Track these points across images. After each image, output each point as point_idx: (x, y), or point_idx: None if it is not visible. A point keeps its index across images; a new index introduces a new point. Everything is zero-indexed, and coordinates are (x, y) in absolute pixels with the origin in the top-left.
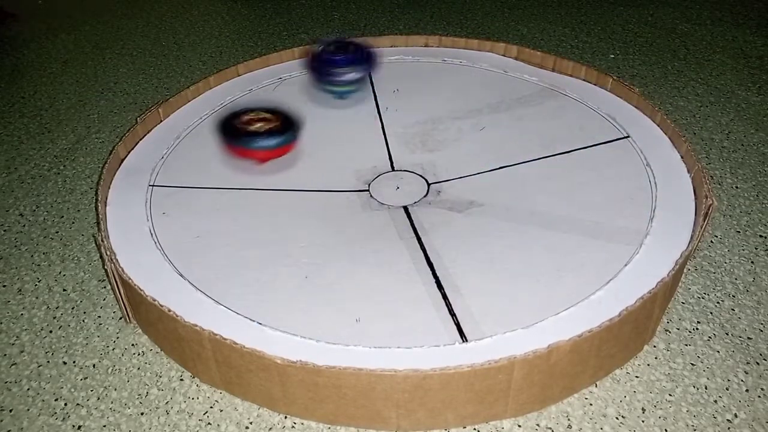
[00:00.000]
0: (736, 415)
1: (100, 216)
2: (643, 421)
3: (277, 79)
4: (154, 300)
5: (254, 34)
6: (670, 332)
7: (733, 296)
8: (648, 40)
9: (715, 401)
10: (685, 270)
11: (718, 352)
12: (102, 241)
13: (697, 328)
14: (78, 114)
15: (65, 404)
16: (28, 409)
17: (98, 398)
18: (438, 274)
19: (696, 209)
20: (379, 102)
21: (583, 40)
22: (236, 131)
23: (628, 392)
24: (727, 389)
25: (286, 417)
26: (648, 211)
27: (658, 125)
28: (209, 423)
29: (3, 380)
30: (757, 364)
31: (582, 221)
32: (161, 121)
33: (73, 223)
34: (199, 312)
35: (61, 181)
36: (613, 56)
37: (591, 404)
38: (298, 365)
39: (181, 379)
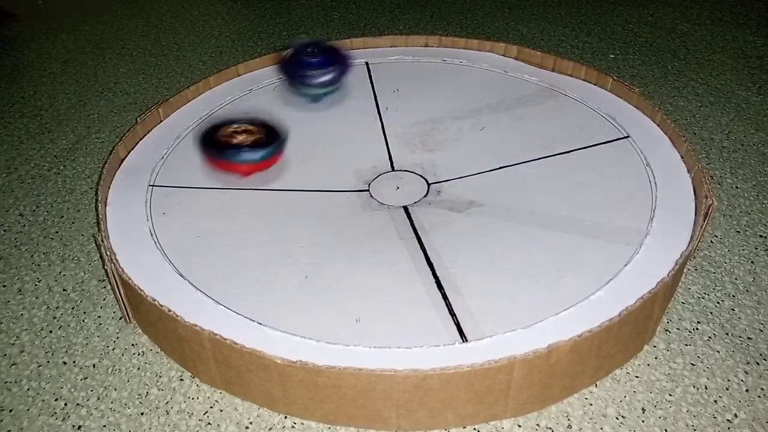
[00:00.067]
0: (736, 415)
1: (100, 216)
2: (643, 421)
3: (277, 79)
4: (154, 300)
5: (254, 34)
6: (670, 332)
7: (733, 296)
8: (648, 40)
9: (715, 401)
10: (685, 270)
11: (718, 352)
12: (102, 241)
13: (697, 328)
14: (78, 114)
15: (65, 404)
16: (28, 409)
17: (98, 398)
18: (438, 274)
19: (696, 209)
20: (379, 102)
21: (583, 40)
22: (219, 144)
23: (628, 392)
24: (727, 389)
25: (286, 417)
26: (648, 211)
27: (658, 125)
28: (209, 423)
29: (3, 380)
30: (757, 364)
31: (582, 221)
32: (161, 121)
33: (73, 223)
34: (199, 312)
35: (61, 181)
36: (613, 56)
37: (591, 404)
38: (298, 365)
39: (181, 379)
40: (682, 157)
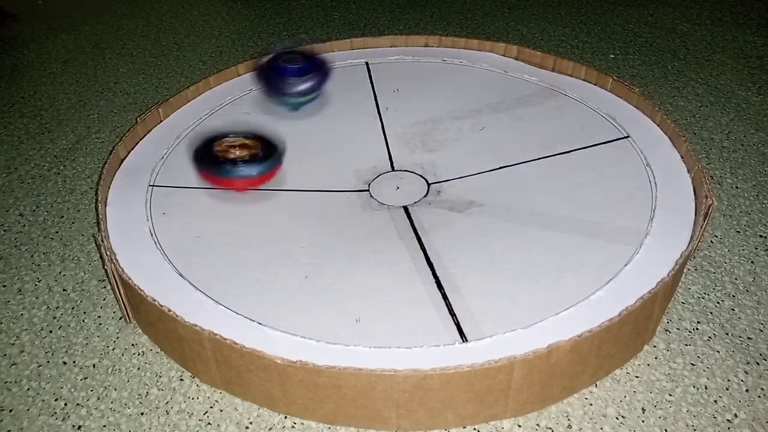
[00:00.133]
0: (736, 415)
1: (100, 216)
2: (643, 421)
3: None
4: (154, 300)
5: (254, 34)
6: (670, 332)
7: (733, 296)
8: (648, 40)
9: (715, 401)
10: (685, 270)
11: (718, 352)
12: (102, 241)
13: (697, 328)
14: (78, 114)
15: (65, 404)
16: (28, 409)
17: (98, 398)
18: (438, 274)
19: (696, 209)
20: (379, 102)
21: (583, 40)
22: (214, 159)
23: (628, 392)
24: (727, 389)
25: (286, 417)
26: (648, 211)
27: (658, 125)
28: (209, 423)
29: (3, 380)
30: (757, 364)
31: (582, 221)
32: (161, 121)
33: (73, 223)
34: (199, 312)
35: (61, 181)
36: (613, 56)
37: (591, 404)
38: (298, 365)
39: (181, 379)
40: (682, 157)
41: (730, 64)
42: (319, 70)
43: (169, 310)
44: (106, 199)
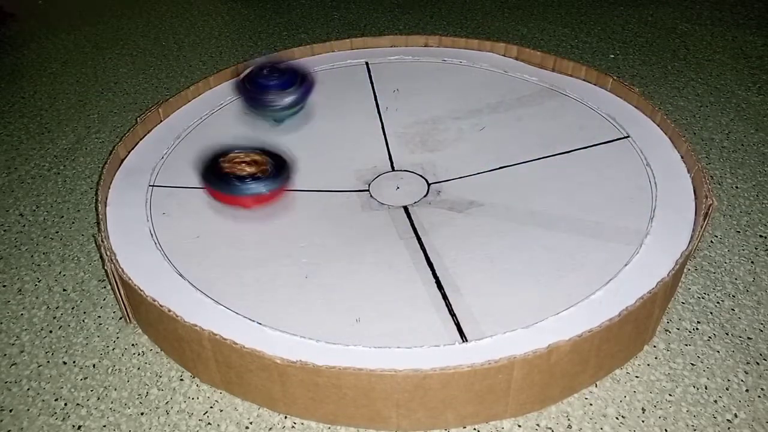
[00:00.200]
0: (736, 415)
1: (100, 216)
2: (643, 421)
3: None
4: (154, 300)
5: (254, 34)
6: (670, 332)
7: (733, 296)
8: (648, 40)
9: (715, 401)
10: (685, 270)
11: (718, 352)
12: (102, 241)
13: (697, 328)
14: (78, 114)
15: (65, 404)
16: (28, 409)
17: (98, 398)
18: (438, 274)
19: (696, 209)
20: (379, 102)
21: (583, 40)
22: (222, 175)
23: (628, 392)
24: (727, 389)
25: (286, 417)
26: (648, 211)
27: (658, 125)
28: (209, 423)
29: (3, 380)
30: (757, 364)
31: (582, 221)
32: (161, 121)
33: (73, 223)
34: (199, 312)
35: (61, 181)
36: (613, 56)
37: (591, 404)
38: (298, 365)
39: (181, 379)
40: (682, 157)
41: (730, 64)
42: (302, 83)
43: (169, 310)
44: (106, 199)
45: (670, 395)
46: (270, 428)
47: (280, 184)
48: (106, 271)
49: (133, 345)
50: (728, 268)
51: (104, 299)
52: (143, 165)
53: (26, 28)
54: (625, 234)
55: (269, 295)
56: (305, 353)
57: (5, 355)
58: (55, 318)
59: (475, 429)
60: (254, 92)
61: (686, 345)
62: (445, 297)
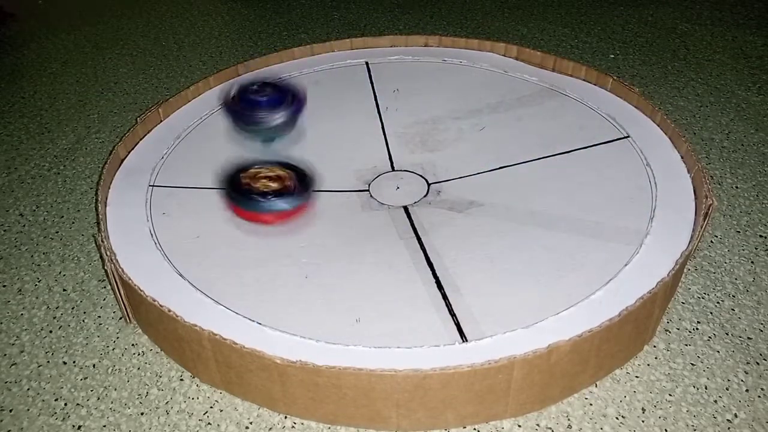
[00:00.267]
0: (736, 415)
1: (100, 216)
2: (643, 421)
3: (277, 79)
4: (154, 300)
5: (254, 34)
6: (670, 332)
7: (733, 296)
8: (648, 40)
9: (715, 401)
10: (685, 270)
11: (718, 352)
12: (102, 241)
13: (697, 328)
14: (78, 114)
15: (65, 404)
16: (28, 409)
17: (98, 398)
18: (438, 274)
19: (696, 209)
20: (379, 102)
21: (583, 40)
22: (245, 191)
23: (628, 392)
24: (727, 389)
25: (286, 417)
26: (648, 211)
27: (658, 125)
28: (209, 423)
29: (3, 380)
30: (757, 364)
31: (582, 221)
32: (161, 121)
33: (73, 223)
34: (199, 312)
35: (61, 181)
36: (613, 56)
37: (591, 404)
38: (298, 365)
39: (181, 379)
40: (682, 157)
41: (730, 64)
42: (292, 101)
43: (169, 310)
44: (106, 199)
45: (670, 395)
46: (270, 428)
47: (304, 201)
48: (106, 271)
49: (133, 345)
50: (728, 268)
51: (104, 299)
52: (143, 165)
53: (26, 28)
54: (625, 234)
55: (269, 295)
56: (305, 353)
57: (5, 355)
58: (55, 318)
59: (475, 429)
60: (241, 111)
61: (686, 345)
62: (445, 297)
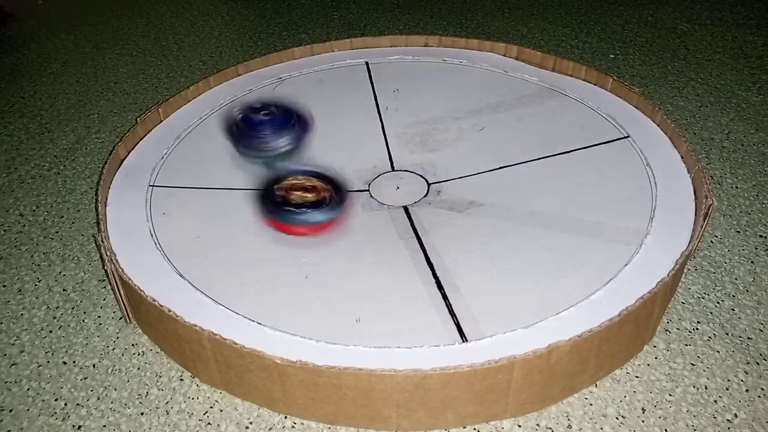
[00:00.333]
0: (736, 415)
1: (100, 216)
2: (643, 421)
3: (277, 80)
4: (154, 300)
5: (254, 34)
6: (670, 332)
7: (733, 296)
8: (648, 40)
9: (715, 401)
10: (685, 270)
11: (718, 352)
12: (102, 241)
13: (697, 328)
14: (78, 114)
15: (65, 404)
16: (28, 409)
17: (98, 398)
18: (438, 274)
19: (696, 209)
20: (379, 102)
21: (583, 40)
22: (280, 203)
23: (628, 392)
24: (727, 389)
25: (286, 417)
26: (648, 211)
27: (658, 125)
28: (209, 423)
29: (3, 380)
30: (757, 364)
31: (582, 221)
32: (161, 121)
33: (73, 223)
34: (199, 312)
35: (61, 181)
36: (613, 56)
37: (591, 404)
38: (298, 365)
39: (181, 379)
40: (682, 157)
41: (730, 64)
42: (295, 123)
43: (169, 310)
44: (106, 199)
45: (670, 395)
46: (270, 428)
47: (340, 212)
48: (106, 271)
49: (133, 345)
50: (728, 268)
51: (104, 299)
52: (143, 165)
53: (26, 28)
54: (625, 234)
55: (269, 295)
56: (305, 353)
57: (5, 355)
58: (55, 318)
59: (475, 429)
60: (244, 133)
61: (686, 345)
62: (445, 297)
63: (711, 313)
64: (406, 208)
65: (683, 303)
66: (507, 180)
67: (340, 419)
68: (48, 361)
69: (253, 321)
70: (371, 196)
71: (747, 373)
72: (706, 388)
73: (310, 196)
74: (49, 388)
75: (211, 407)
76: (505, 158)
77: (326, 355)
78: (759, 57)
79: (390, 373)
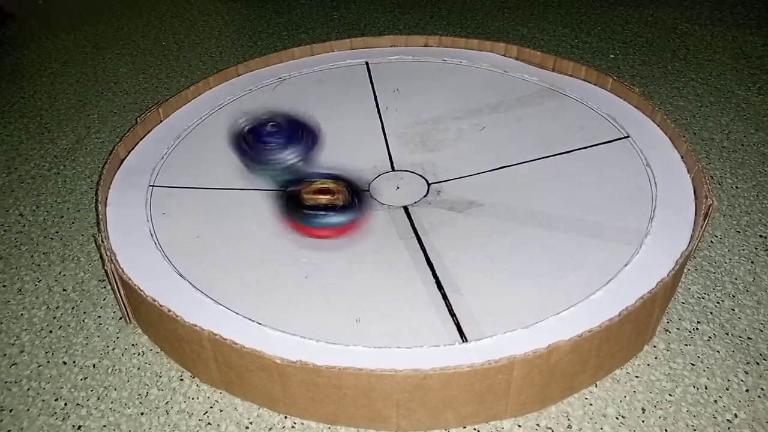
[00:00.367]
0: (736, 415)
1: (100, 216)
2: (643, 421)
3: (277, 80)
4: (154, 300)
5: (254, 34)
6: (670, 332)
7: (733, 296)
8: (648, 40)
9: (715, 401)
10: (685, 270)
11: (718, 352)
12: (102, 241)
13: (697, 328)
14: (78, 114)
15: (65, 404)
16: (28, 409)
17: (98, 398)
18: (438, 274)
19: (696, 209)
20: (379, 102)
21: (583, 40)
22: (301, 206)
23: (628, 392)
24: (727, 389)
25: (286, 417)
26: (648, 211)
27: (658, 125)
28: (209, 423)
29: (3, 380)
30: (757, 364)
31: (582, 221)
32: (161, 121)
33: (73, 223)
34: (199, 312)
35: (61, 181)
36: (613, 56)
37: (591, 404)
38: (298, 365)
39: (181, 379)
40: (682, 157)
41: (730, 64)
42: (304, 137)
43: (169, 310)
44: (106, 199)
45: (670, 395)
46: (270, 428)
47: (360, 214)
48: (106, 271)
49: (133, 345)
50: (728, 268)
51: (104, 299)
52: (143, 165)
53: (26, 28)
54: (625, 234)
55: (269, 295)
56: (305, 353)
57: (5, 355)
58: (55, 318)
59: (475, 429)
60: (252, 147)
61: (686, 345)
62: (445, 297)
63: (711, 313)
64: (406, 208)
65: (683, 303)
66: (507, 180)
67: (340, 419)
68: (48, 361)
69: (253, 321)
70: (371, 196)
71: (747, 373)
72: (706, 388)
73: (330, 199)
74: (49, 388)
75: (211, 407)
76: (505, 158)
77: (326, 355)
78: (759, 57)
79: (390, 373)
